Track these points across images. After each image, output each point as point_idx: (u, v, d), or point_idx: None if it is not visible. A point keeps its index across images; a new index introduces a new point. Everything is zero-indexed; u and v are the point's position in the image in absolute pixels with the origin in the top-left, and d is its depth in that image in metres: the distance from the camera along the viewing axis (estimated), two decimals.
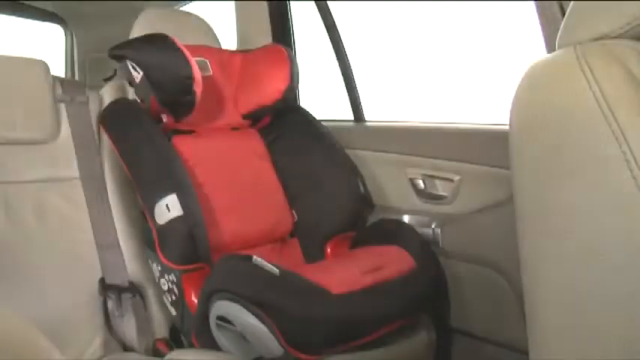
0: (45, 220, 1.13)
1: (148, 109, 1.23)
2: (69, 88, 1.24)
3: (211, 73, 1.38)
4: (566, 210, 0.46)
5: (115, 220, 1.19)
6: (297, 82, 1.35)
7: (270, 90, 1.33)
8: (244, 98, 1.38)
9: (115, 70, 2.01)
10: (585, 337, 0.45)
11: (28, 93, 1.18)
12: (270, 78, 1.34)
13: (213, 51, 1.42)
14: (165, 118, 1.25)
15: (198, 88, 1.19)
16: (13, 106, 1.15)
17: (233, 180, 1.30)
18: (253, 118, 1.40)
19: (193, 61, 1.20)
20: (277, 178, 1.37)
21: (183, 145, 1.27)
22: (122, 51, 1.22)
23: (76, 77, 2.11)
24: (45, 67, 1.21)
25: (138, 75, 1.20)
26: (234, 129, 1.39)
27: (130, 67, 1.21)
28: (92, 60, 2.11)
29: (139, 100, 1.25)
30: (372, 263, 1.09)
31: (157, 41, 1.21)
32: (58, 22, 2.10)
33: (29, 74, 1.19)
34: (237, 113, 1.39)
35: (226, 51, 1.46)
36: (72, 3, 2.01)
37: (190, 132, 1.31)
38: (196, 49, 1.32)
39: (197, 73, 1.19)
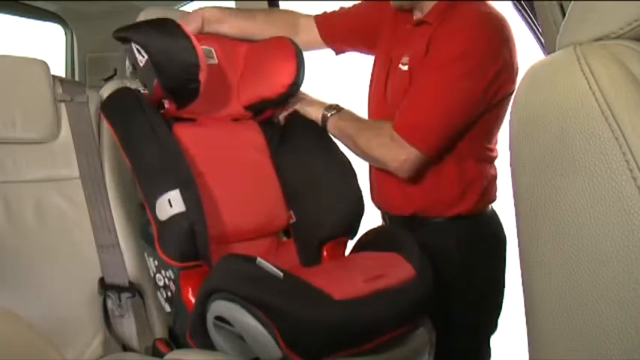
0: (45, 220, 1.13)
1: (150, 99, 1.22)
2: (69, 88, 1.24)
3: (216, 61, 1.37)
4: (565, 210, 0.46)
5: (115, 219, 1.19)
6: (303, 78, 1.33)
7: (275, 83, 1.32)
8: (247, 89, 1.37)
9: (115, 70, 2.02)
10: (585, 337, 0.45)
11: (28, 92, 1.18)
12: (275, 71, 1.32)
13: (219, 40, 1.40)
14: (167, 104, 1.24)
15: (203, 76, 1.18)
16: (13, 106, 1.15)
17: (230, 171, 1.29)
18: (255, 110, 1.39)
19: (200, 48, 1.19)
20: (275, 172, 1.37)
21: (184, 133, 1.26)
22: (128, 33, 1.21)
23: (76, 77, 2.11)
24: (45, 66, 1.21)
25: (142, 59, 1.18)
26: (235, 120, 1.38)
27: (135, 50, 1.19)
28: (92, 60, 2.11)
29: (141, 90, 1.24)
30: (373, 270, 1.08)
31: (165, 26, 1.19)
32: (58, 22, 2.10)
33: (29, 74, 1.19)
34: (239, 104, 1.38)
35: (232, 40, 1.45)
36: (72, 3, 2.01)
37: (191, 120, 1.30)
38: (202, 37, 1.31)
39: (203, 61, 1.18)
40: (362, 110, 1.34)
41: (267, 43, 1.39)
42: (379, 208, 1.37)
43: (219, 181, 1.25)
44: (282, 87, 1.31)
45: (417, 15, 1.23)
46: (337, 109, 1.29)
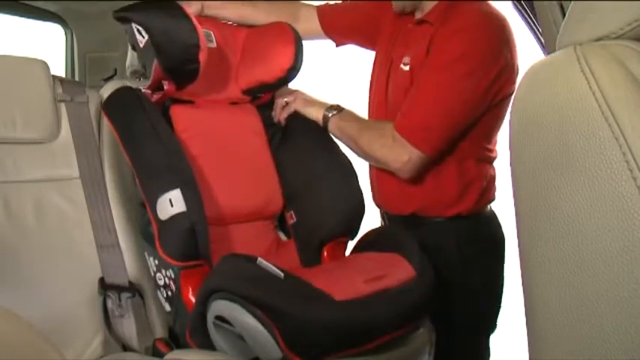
0: (45, 220, 1.13)
1: (151, 90, 1.23)
2: (69, 88, 1.24)
3: (215, 45, 1.37)
4: (565, 210, 0.46)
5: (115, 219, 1.19)
6: (301, 64, 1.33)
7: (273, 67, 1.32)
8: (246, 73, 1.37)
9: (115, 70, 2.01)
10: (585, 337, 0.45)
11: (28, 92, 1.18)
12: (274, 55, 1.32)
13: (218, 24, 1.40)
14: (166, 85, 1.24)
15: (203, 57, 1.18)
16: (13, 106, 1.15)
17: (227, 153, 1.29)
18: (253, 94, 1.39)
19: (201, 29, 1.19)
20: (271, 156, 1.37)
21: (181, 114, 1.26)
22: (128, 13, 1.20)
23: (76, 77, 2.11)
24: (45, 66, 1.21)
25: (142, 39, 1.18)
26: (233, 103, 1.38)
27: (135, 31, 1.19)
28: (92, 60, 2.10)
29: (142, 89, 1.24)
30: (374, 271, 1.08)
31: (165, 6, 1.19)
32: (58, 22, 2.10)
33: (29, 74, 1.19)
34: (237, 88, 1.38)
35: (231, 25, 1.45)
36: (72, 3, 2.01)
37: (190, 102, 1.30)
38: (202, 21, 1.31)
39: (203, 42, 1.18)
40: (361, 109, 1.35)
41: (266, 28, 1.39)
42: (379, 207, 1.37)
43: (216, 163, 1.25)
44: (280, 71, 1.31)
45: (418, 15, 1.23)
46: (338, 109, 1.29)
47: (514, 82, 1.16)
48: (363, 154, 1.25)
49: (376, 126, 1.24)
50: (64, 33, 2.14)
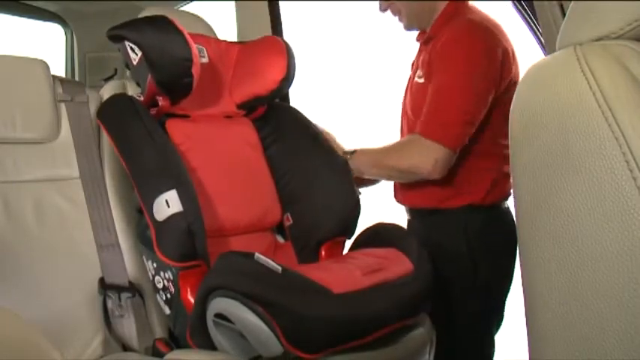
0: (45, 220, 1.13)
1: (144, 98, 1.23)
2: (69, 88, 1.24)
3: (207, 60, 1.38)
4: (565, 210, 0.46)
5: (115, 219, 1.19)
6: (294, 75, 1.34)
7: (266, 80, 1.34)
8: (240, 88, 1.38)
9: (115, 70, 2.02)
10: (585, 337, 0.45)
11: (28, 92, 1.18)
12: (266, 68, 1.34)
13: (210, 40, 1.42)
14: (160, 101, 1.24)
15: (196, 70, 1.19)
16: (13, 106, 1.15)
17: (224, 166, 1.30)
18: (247, 107, 1.40)
19: (193, 43, 1.20)
20: (268, 168, 1.38)
21: (177, 128, 1.26)
22: (121, 31, 1.21)
23: (76, 77, 2.11)
24: (45, 66, 1.22)
25: (136, 57, 1.19)
26: (228, 117, 1.39)
27: (128, 49, 1.20)
28: (92, 60, 2.11)
29: (136, 96, 1.25)
30: (372, 265, 1.09)
31: (157, 22, 1.20)
32: (58, 22, 2.10)
33: (29, 74, 1.19)
34: (231, 102, 1.39)
35: (224, 41, 1.46)
36: (72, 3, 2.01)
37: (185, 116, 1.31)
38: (194, 37, 1.32)
39: (196, 56, 1.19)
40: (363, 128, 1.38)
41: (258, 43, 1.41)
42: (400, 203, 1.41)
43: (212, 176, 1.26)
44: (273, 83, 1.33)
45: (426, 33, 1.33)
46: (354, 150, 1.35)
47: (512, 65, 1.24)
48: (394, 172, 1.29)
49: (397, 144, 1.30)
50: (64, 33, 2.14)
